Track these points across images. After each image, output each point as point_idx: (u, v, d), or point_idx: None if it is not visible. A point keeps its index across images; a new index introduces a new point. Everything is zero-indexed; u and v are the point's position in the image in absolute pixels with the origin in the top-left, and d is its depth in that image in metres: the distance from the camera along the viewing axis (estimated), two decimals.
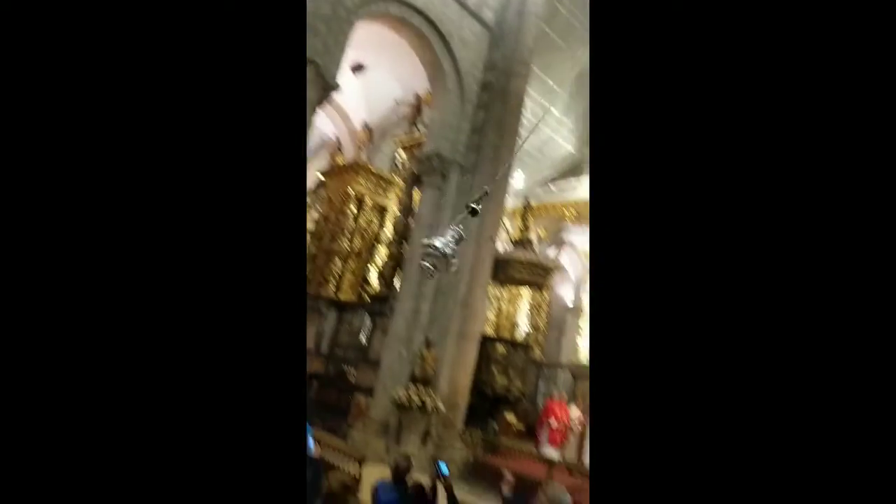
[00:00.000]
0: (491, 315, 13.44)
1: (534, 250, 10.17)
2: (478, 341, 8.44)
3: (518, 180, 13.67)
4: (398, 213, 10.40)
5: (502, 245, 10.27)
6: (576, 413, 8.89)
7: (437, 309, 8.15)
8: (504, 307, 13.78)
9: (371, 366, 8.55)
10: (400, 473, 3.19)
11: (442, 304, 8.17)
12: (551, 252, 13.69)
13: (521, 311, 13.61)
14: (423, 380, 7.52)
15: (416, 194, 9.82)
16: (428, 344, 7.82)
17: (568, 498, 3.02)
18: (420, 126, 11.23)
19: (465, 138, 8.78)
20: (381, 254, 10.77)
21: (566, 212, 14.04)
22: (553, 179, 14.50)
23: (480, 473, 6.73)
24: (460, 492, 4.59)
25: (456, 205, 8.54)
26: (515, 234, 10.49)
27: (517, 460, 7.08)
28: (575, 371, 12.51)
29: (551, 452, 7.79)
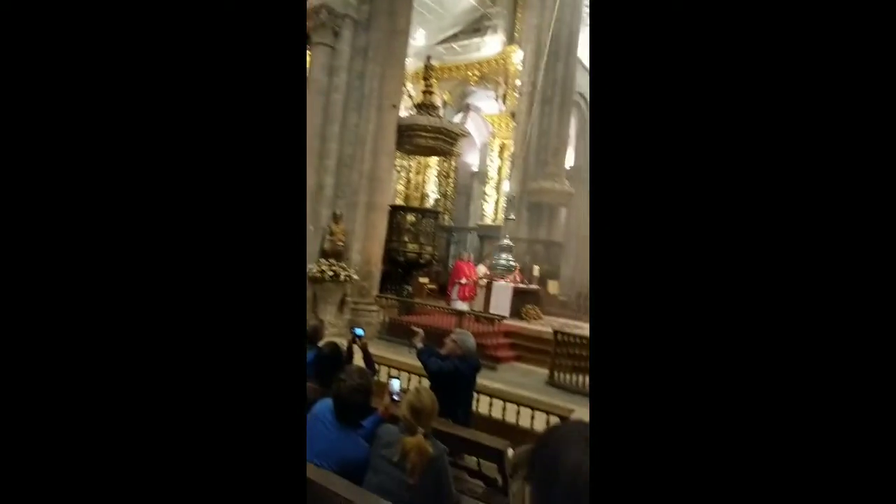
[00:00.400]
0: (400, 186, 13.37)
1: (439, 115, 9.88)
2: (386, 211, 8.45)
3: (418, 38, 12.70)
4: None
5: (406, 111, 9.83)
6: (482, 270, 9.59)
7: (341, 182, 7.89)
8: (413, 177, 13.72)
9: None
10: (312, 336, 3.30)
11: (346, 176, 7.90)
12: (457, 118, 13.43)
13: (429, 180, 13.67)
14: (334, 253, 7.54)
15: (307, 55, 8.81)
16: (336, 218, 7.70)
17: (471, 339, 3.36)
18: None
19: None
20: None
21: (470, 73, 13.53)
22: (455, 37, 13.64)
23: (396, 331, 7.23)
24: (377, 349, 4.93)
25: (351, 67, 7.83)
26: (418, 97, 10.02)
27: (431, 316, 7.65)
28: (482, 233, 13.23)
29: (462, 306, 8.50)
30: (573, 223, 13.42)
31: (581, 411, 3.84)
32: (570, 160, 13.59)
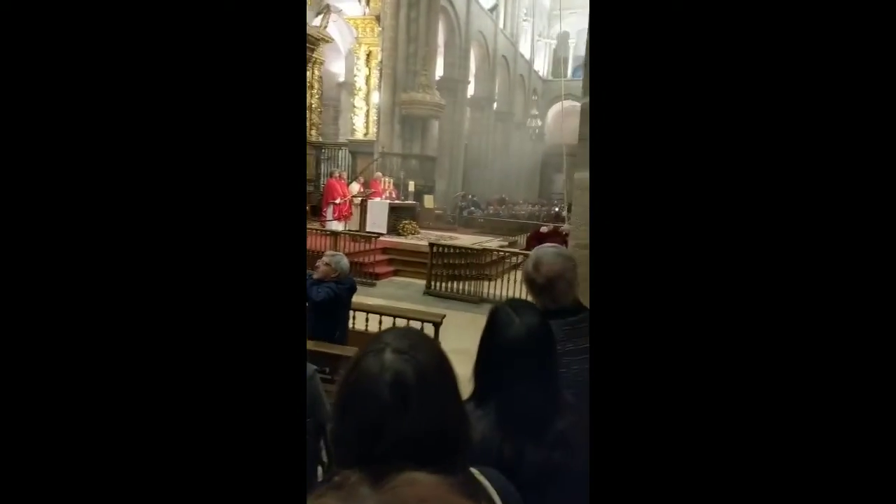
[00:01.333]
0: None
1: None
2: None
3: None
4: None
5: None
6: (356, 188, 9.34)
7: None
8: None
9: None
10: None
11: None
12: (316, 21, 12.14)
13: None
14: None
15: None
16: None
17: (345, 259, 3.31)
18: None
19: None
20: None
21: None
22: None
23: None
24: None
25: None
26: None
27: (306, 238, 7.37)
28: (353, 149, 12.70)
29: (337, 226, 8.29)
30: (445, 136, 13.47)
31: (453, 314, 4.10)
32: (439, 70, 13.29)
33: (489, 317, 1.02)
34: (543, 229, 7.68)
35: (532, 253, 1.36)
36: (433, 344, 0.64)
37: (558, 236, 5.57)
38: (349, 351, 2.80)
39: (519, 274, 6.16)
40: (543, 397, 0.95)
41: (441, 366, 0.58)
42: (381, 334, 0.63)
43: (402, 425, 0.50)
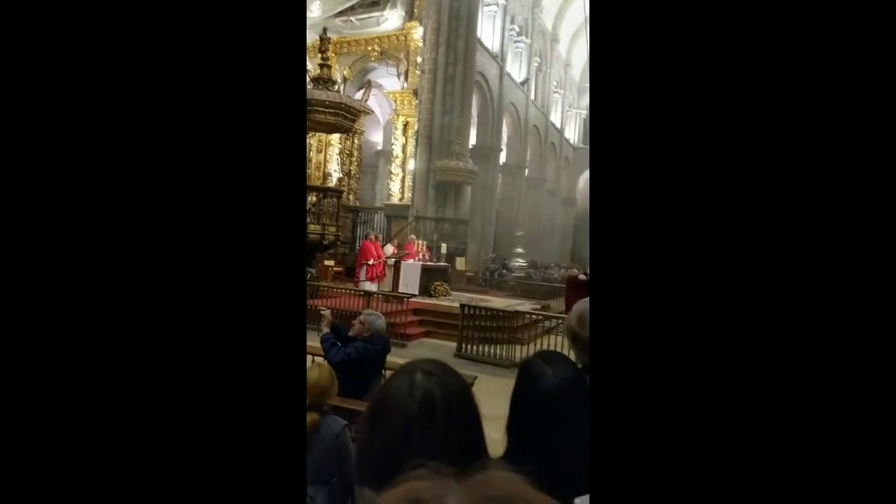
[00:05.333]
0: None
1: (338, 91, 9.51)
2: None
3: (314, 10, 12.04)
4: None
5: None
6: (390, 249, 9.55)
7: None
8: (313, 156, 13.15)
9: None
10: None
11: None
12: (358, 95, 13.04)
13: (331, 158, 13.21)
14: None
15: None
16: None
17: (381, 319, 3.34)
18: None
19: None
20: None
21: (370, 48, 13.15)
22: (353, 10, 13.14)
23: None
24: None
25: None
26: (315, 71, 9.56)
27: (339, 299, 7.48)
28: (389, 212, 13.13)
29: (370, 286, 8.41)
30: (478, 201, 13.78)
31: (484, 378, 4.01)
32: (472, 139, 13.86)
33: (520, 370, 1.01)
34: (581, 276, 7.53)
35: (575, 307, 1.35)
36: (460, 377, 0.67)
37: None
38: None
39: (552, 339, 6.02)
40: (579, 452, 0.92)
41: (464, 393, 0.61)
42: (413, 361, 0.66)
43: (426, 440, 0.53)
